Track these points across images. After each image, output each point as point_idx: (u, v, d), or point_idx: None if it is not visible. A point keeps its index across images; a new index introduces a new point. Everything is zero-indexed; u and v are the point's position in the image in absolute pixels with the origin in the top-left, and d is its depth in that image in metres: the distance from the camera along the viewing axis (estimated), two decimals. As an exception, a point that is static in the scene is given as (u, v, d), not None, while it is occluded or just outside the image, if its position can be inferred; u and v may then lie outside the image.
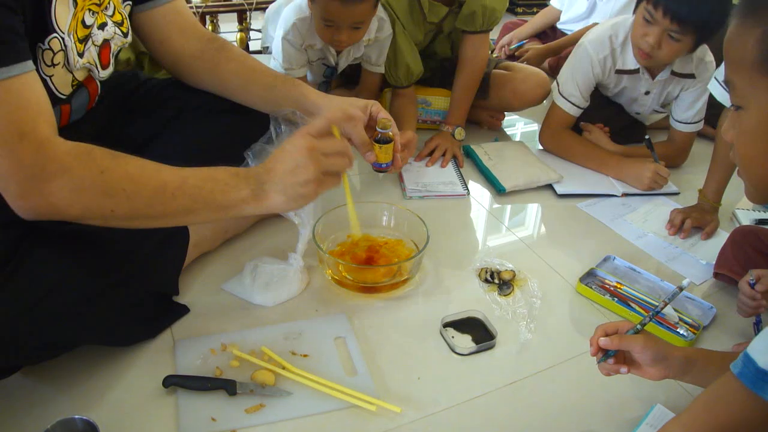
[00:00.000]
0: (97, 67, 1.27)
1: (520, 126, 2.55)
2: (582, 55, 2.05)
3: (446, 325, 1.37)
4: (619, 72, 2.06)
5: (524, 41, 3.10)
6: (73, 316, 1.09)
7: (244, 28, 2.86)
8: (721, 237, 1.67)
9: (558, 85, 2.12)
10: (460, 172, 2.04)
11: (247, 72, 1.48)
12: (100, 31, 1.25)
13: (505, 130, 2.46)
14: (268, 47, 2.47)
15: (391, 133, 1.44)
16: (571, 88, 2.07)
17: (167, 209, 1.07)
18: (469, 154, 2.15)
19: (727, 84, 0.88)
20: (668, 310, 1.41)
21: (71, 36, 1.16)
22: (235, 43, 2.82)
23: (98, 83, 1.32)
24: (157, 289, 1.32)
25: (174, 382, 1.16)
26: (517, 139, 2.42)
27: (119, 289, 1.17)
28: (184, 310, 1.36)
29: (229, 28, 2.89)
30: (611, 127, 2.21)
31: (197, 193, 1.08)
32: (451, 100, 2.21)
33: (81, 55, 1.20)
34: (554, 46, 2.94)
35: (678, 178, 2.10)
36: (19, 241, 1.05)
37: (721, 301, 1.53)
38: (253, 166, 1.18)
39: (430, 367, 1.28)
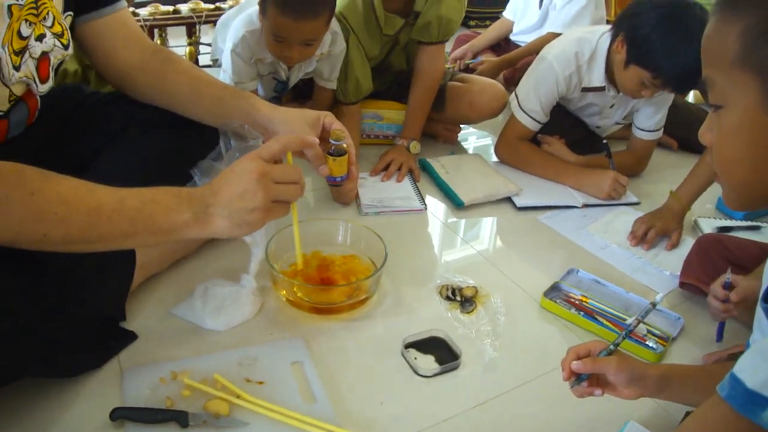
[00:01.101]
0: (35, 81, 1.20)
1: (473, 140, 2.52)
2: (546, 71, 2.01)
3: (408, 345, 1.32)
4: (585, 90, 2.04)
5: (479, 56, 3.09)
6: (9, 347, 1.00)
7: (194, 41, 2.79)
8: (685, 247, 1.65)
9: (518, 99, 2.08)
10: (417, 187, 1.99)
11: (195, 84, 1.43)
12: (38, 42, 1.18)
13: (461, 143, 2.43)
14: (217, 60, 2.40)
15: (345, 145, 1.39)
16: (533, 103, 2.04)
17: (103, 233, 1.00)
18: (425, 168, 2.11)
19: (706, 82, 0.84)
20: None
21: (6, 48, 1.09)
22: (184, 57, 2.75)
23: (38, 98, 1.25)
24: (102, 314, 1.25)
25: (122, 415, 1.09)
26: (472, 152, 2.38)
27: (60, 315, 1.09)
28: (131, 336, 1.28)
29: (177, 42, 2.82)
30: (567, 138, 2.18)
31: (136, 216, 1.01)
32: (406, 113, 2.16)
33: (17, 68, 1.13)
34: (509, 58, 2.92)
35: (638, 188, 2.09)
36: None
37: (688, 311, 1.51)
38: (199, 187, 1.11)
39: (393, 391, 1.23)
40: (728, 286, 1.30)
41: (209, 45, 2.66)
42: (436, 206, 1.94)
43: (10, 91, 1.15)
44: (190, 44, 2.72)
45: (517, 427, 1.18)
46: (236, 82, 1.92)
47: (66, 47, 1.27)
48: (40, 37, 1.18)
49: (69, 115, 1.43)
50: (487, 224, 1.89)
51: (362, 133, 2.22)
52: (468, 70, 3.00)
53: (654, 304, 1.03)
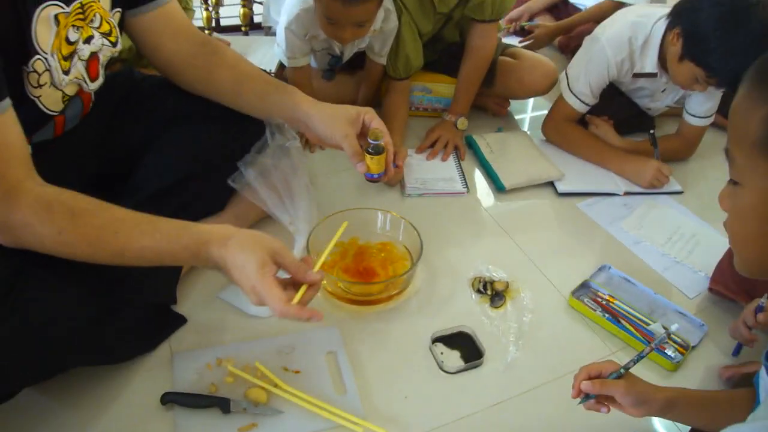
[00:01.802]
0: (85, 81, 1.26)
1: (528, 105, 2.53)
2: (598, 55, 1.99)
3: (436, 340, 1.39)
4: (637, 75, 2.02)
5: (536, 19, 3.04)
6: (75, 342, 1.10)
7: (248, 1, 2.80)
8: (721, 249, 1.59)
9: (567, 80, 2.07)
10: (461, 167, 2.02)
11: (239, 78, 1.47)
12: (86, 45, 1.22)
13: (512, 112, 2.44)
14: (270, 27, 2.43)
15: (383, 143, 1.44)
16: (582, 86, 2.03)
17: (130, 266, 1.11)
18: (471, 146, 2.13)
19: (727, 155, 0.84)
20: (657, 329, 1.42)
21: (55, 55, 1.15)
22: (238, 19, 2.78)
23: (91, 93, 1.32)
24: (155, 300, 1.34)
25: (171, 400, 1.20)
26: (526, 122, 2.40)
27: (120, 306, 1.19)
28: (181, 320, 1.38)
29: (231, 1, 2.84)
30: (616, 116, 2.16)
31: (158, 261, 1.10)
32: (455, 89, 2.18)
33: (67, 72, 1.19)
34: (565, 25, 2.88)
35: (683, 174, 2.08)
36: (17, 268, 1.04)
37: (714, 317, 1.51)
38: (215, 249, 1.09)
39: (418, 386, 1.31)
40: (761, 310, 1.31)
41: (261, 3, 2.68)
42: (478, 188, 1.97)
43: (63, 92, 1.21)
44: (243, 6, 2.74)
45: (532, 427, 1.25)
46: (289, 57, 1.96)
47: (114, 44, 1.31)
48: (88, 39, 1.23)
49: (121, 104, 1.48)
50: (527, 210, 1.90)
51: (411, 105, 2.25)
52: (523, 32, 2.97)
53: (669, 334, 1.07)
